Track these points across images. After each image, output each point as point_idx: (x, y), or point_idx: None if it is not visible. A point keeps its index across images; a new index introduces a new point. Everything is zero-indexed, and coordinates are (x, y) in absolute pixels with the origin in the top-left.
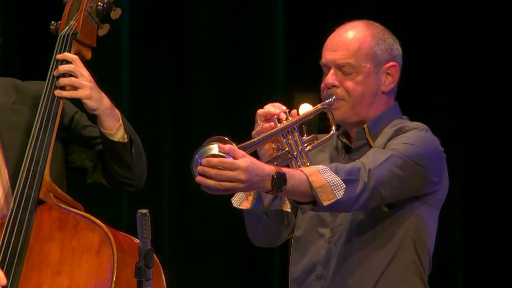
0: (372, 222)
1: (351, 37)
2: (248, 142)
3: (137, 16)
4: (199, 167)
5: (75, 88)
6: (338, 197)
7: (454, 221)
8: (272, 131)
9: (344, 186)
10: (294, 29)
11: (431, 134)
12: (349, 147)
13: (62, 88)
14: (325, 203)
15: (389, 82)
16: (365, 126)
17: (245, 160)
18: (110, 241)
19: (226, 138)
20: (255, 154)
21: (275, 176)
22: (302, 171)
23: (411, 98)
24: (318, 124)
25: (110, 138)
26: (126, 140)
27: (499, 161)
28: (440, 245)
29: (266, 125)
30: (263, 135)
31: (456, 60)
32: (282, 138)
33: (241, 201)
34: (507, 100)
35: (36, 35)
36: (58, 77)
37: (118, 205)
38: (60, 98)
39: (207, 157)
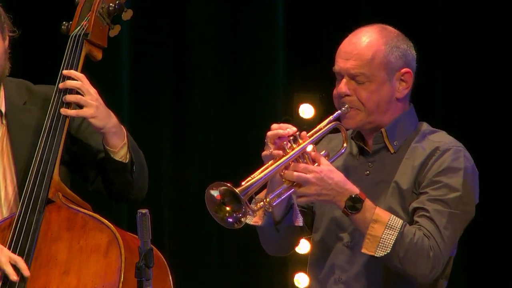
0: None
1: (364, 45)
2: (249, 183)
3: (137, 16)
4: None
5: (80, 106)
6: (376, 255)
7: None
8: (277, 163)
9: (388, 251)
10: (294, 29)
11: (468, 159)
12: (364, 149)
13: (68, 104)
14: (362, 250)
15: (403, 88)
16: (382, 130)
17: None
18: (118, 242)
19: (228, 184)
20: None
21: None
22: (374, 212)
23: (410, 97)
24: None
25: (112, 156)
26: (127, 161)
27: (499, 161)
28: None
29: (275, 152)
30: (268, 169)
31: (456, 59)
32: (292, 163)
33: (253, 217)
34: (507, 100)
35: (37, 36)
36: (65, 91)
37: (118, 205)
38: (66, 116)
39: None
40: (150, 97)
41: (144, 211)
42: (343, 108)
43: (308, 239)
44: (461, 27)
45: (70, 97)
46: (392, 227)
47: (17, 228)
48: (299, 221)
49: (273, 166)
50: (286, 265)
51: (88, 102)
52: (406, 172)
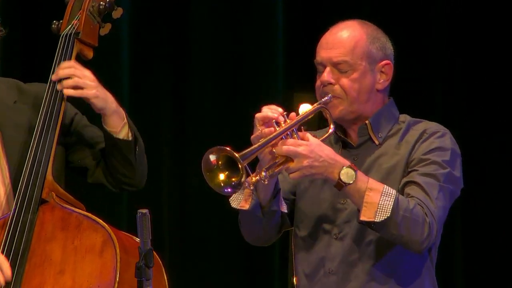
0: None
1: (347, 36)
2: (248, 150)
3: (137, 16)
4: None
5: (80, 88)
6: (376, 220)
7: (454, 217)
8: (271, 136)
9: (388, 215)
10: (294, 29)
11: (454, 143)
12: (346, 142)
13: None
14: (360, 218)
15: (383, 80)
16: (367, 122)
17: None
18: (113, 241)
19: (227, 148)
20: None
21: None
22: (368, 182)
23: (411, 97)
24: (318, 124)
25: (115, 135)
26: (130, 138)
27: (499, 161)
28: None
29: (266, 130)
30: (262, 141)
31: (456, 59)
32: (281, 140)
33: (239, 202)
34: (507, 100)
35: (37, 36)
36: (59, 81)
37: (118, 205)
38: (67, 96)
39: None
40: (150, 97)
41: (144, 211)
42: (326, 98)
43: None
44: (461, 27)
45: (68, 82)
46: (388, 194)
47: (11, 229)
48: (284, 208)
49: (267, 138)
50: (286, 266)
51: (86, 83)
52: (394, 160)
